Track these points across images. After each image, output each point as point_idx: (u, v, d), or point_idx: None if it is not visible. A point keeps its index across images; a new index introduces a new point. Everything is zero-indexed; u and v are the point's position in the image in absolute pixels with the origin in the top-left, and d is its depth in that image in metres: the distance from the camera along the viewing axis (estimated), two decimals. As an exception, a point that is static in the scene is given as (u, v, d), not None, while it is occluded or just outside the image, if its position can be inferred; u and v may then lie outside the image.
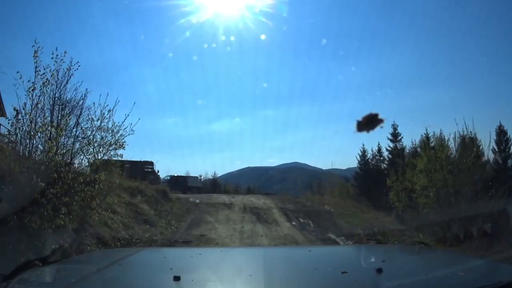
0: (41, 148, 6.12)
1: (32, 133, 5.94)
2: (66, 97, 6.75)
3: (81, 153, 6.93)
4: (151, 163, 24.89)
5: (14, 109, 5.91)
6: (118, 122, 7.18)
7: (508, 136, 32.47)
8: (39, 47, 5.97)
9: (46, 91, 6.23)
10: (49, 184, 5.51)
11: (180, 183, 34.38)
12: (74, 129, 6.95)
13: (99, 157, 7.11)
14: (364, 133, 1.70)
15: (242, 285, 1.73)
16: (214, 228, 10.74)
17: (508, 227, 6.57)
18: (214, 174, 51.10)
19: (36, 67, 5.93)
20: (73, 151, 6.78)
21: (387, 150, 38.69)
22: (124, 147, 7.33)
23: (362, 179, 39.26)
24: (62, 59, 6.37)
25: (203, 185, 45.88)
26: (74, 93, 6.90)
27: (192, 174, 43.64)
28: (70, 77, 6.63)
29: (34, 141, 6.08)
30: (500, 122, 33.08)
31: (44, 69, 6.07)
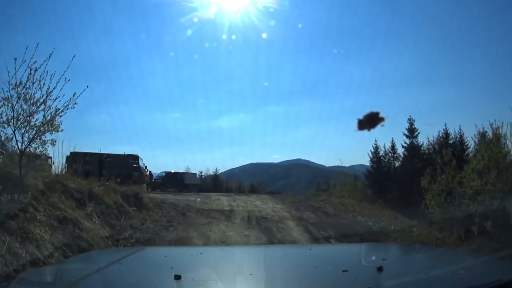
0: None
1: None
2: None
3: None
4: (136, 157, 20.31)
5: None
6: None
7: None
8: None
9: None
10: None
11: (176, 180, 29.93)
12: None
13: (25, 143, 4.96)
14: (371, 129, 1.63)
15: (243, 283, 1.70)
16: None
17: None
18: (216, 170, 46.66)
19: None
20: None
21: (403, 146, 35.57)
22: (59, 129, 5.35)
23: (374, 177, 36.32)
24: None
25: (203, 183, 42.94)
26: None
27: (192, 171, 39.42)
28: None
29: None
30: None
31: None
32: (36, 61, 4.99)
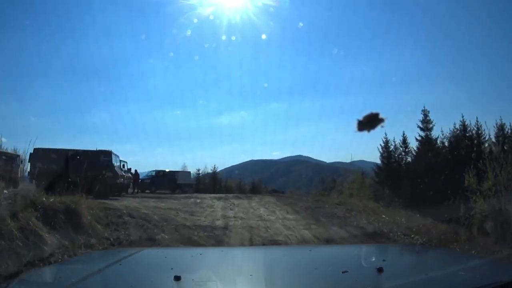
0: None
1: None
2: None
3: None
4: (108, 154, 16.10)
5: None
6: None
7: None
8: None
9: None
10: None
11: (168, 180, 25.69)
12: None
13: None
14: (371, 130, 1.59)
15: (243, 284, 1.68)
16: None
17: None
18: (214, 168, 42.51)
19: None
20: None
21: (417, 140, 31.99)
22: None
23: (384, 174, 32.74)
24: None
25: (201, 182, 40.49)
26: None
27: (189, 169, 35.53)
28: None
29: None
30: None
31: None
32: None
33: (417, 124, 29.90)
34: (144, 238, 7.20)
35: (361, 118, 1.59)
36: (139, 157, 67.01)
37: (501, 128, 30.70)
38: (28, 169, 15.36)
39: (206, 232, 8.08)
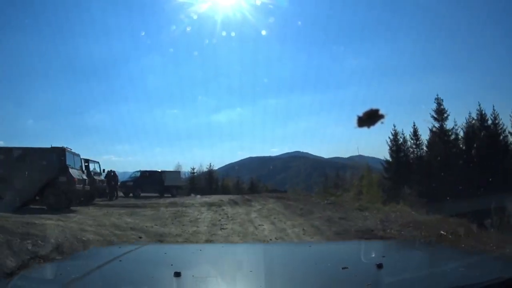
0: None
1: None
2: None
3: None
4: (61, 152, 12.15)
5: None
6: None
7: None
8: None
9: None
10: None
11: (154, 182, 21.67)
12: None
13: None
14: (371, 126, 1.54)
15: (243, 280, 1.65)
16: None
17: None
18: (210, 166, 38.81)
19: None
20: None
21: (431, 131, 29.49)
22: None
23: (393, 169, 30.18)
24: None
25: (197, 182, 37.38)
26: None
27: (184, 168, 31.91)
28: None
29: None
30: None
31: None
32: None
33: (430, 113, 27.50)
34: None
35: (360, 114, 1.54)
36: (138, 157, 64.96)
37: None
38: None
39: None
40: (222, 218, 10.75)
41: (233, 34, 34.21)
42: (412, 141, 32.46)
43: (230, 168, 67.87)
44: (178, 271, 1.54)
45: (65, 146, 12.70)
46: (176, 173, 26.60)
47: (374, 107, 1.52)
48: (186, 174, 40.57)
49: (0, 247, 5.36)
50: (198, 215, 11.22)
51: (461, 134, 28.01)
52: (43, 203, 11.81)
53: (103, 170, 18.29)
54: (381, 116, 1.52)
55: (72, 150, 12.94)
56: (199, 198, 17.72)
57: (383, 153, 31.00)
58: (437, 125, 31.11)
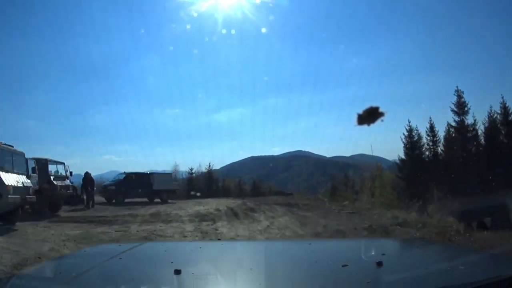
0: None
1: None
2: None
3: None
4: None
5: None
6: None
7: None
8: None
9: None
10: None
11: (141, 185, 17.80)
12: None
13: None
14: (371, 124, 1.52)
15: (243, 278, 1.60)
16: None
17: None
18: (209, 166, 35.30)
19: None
20: None
21: (451, 126, 26.70)
22: None
23: (408, 168, 27.19)
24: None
25: (195, 183, 33.45)
26: None
27: (181, 168, 28.75)
28: None
29: None
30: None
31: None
32: None
33: (450, 107, 25.44)
34: None
35: (360, 112, 1.52)
36: (139, 157, 62.49)
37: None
38: None
39: None
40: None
41: (233, 32, 33.41)
42: (428, 138, 29.57)
43: (231, 168, 66.55)
44: (178, 268, 1.51)
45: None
46: (167, 175, 22.85)
47: (374, 105, 1.49)
48: (184, 175, 36.97)
49: None
50: (178, 239, 7.69)
51: (481, 129, 25.34)
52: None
53: (71, 173, 14.80)
54: (381, 114, 1.49)
55: (6, 145, 9.32)
56: (190, 208, 14.14)
57: (385, 152, 29.00)
58: (457, 119, 28.41)
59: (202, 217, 10.96)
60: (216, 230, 9.30)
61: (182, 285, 1.51)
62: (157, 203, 18.67)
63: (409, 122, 27.73)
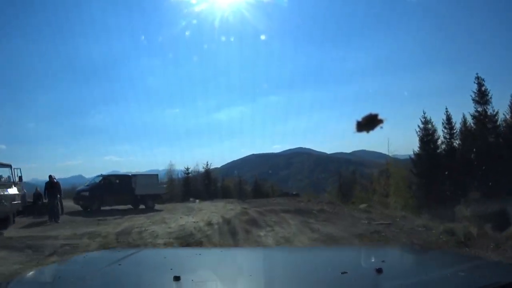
0: None
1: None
2: None
3: None
4: None
5: None
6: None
7: None
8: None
9: None
10: None
11: (121, 189, 14.01)
12: None
13: None
14: (370, 131, 1.52)
15: (242, 285, 1.59)
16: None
17: None
18: (207, 165, 32.02)
19: None
20: None
21: (473, 117, 24.25)
22: None
23: (425, 164, 24.43)
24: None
25: (192, 184, 31.00)
26: None
27: (178, 167, 26.03)
28: None
29: None
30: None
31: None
32: None
33: (471, 96, 23.36)
34: None
35: (360, 119, 1.52)
36: (139, 157, 59.54)
37: None
38: None
39: None
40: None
41: (233, 31, 31.66)
42: (445, 130, 26.77)
43: (232, 166, 64.95)
44: (178, 275, 1.50)
45: None
46: (152, 177, 18.83)
47: (373, 111, 1.49)
48: (180, 175, 33.51)
49: None
50: None
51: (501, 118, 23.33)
52: None
53: (20, 177, 11.49)
54: (380, 121, 1.50)
55: None
56: (175, 220, 10.80)
57: (384, 147, 27.07)
58: (479, 109, 25.55)
59: (185, 239, 7.66)
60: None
61: None
62: (140, 211, 15.37)
63: (424, 114, 25.56)
